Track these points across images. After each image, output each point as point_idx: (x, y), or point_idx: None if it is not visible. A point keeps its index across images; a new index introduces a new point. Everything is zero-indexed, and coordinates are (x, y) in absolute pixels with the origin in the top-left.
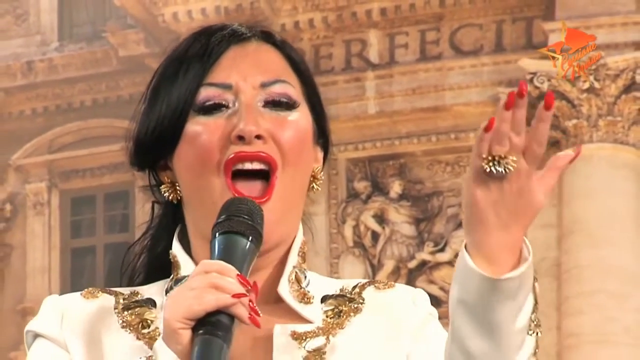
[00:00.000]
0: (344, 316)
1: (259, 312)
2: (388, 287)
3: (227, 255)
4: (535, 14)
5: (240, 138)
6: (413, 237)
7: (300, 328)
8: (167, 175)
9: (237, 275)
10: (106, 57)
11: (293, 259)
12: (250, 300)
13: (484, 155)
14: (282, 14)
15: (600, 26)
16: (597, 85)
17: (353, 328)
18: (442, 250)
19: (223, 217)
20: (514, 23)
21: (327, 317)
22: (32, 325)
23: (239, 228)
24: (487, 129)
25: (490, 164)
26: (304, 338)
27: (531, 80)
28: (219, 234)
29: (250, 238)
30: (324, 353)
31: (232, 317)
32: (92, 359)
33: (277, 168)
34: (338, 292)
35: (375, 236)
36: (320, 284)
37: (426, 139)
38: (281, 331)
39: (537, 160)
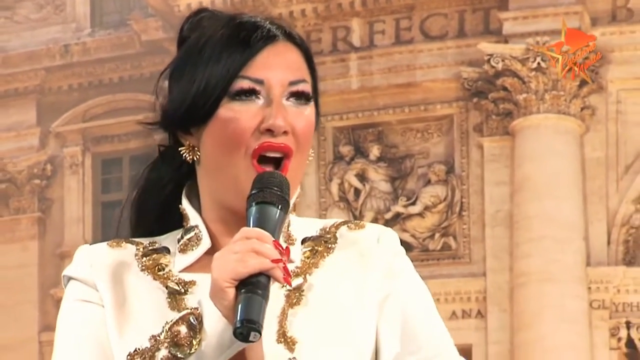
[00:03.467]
0: (319, 256)
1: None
2: (359, 228)
3: (262, 223)
4: (492, 4)
5: (269, 130)
6: (389, 193)
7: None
8: (189, 140)
9: (273, 241)
10: (131, 41)
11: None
12: (283, 262)
13: None
14: (279, 4)
15: (546, 15)
16: (543, 65)
17: (326, 267)
18: (413, 203)
19: (257, 188)
20: (474, 13)
21: (304, 257)
22: (67, 271)
23: (271, 199)
24: None
25: None
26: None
27: (488, 61)
28: (255, 204)
29: (280, 207)
30: (303, 291)
31: (269, 278)
32: (118, 296)
33: (292, 154)
34: (319, 232)
35: (357, 192)
36: (303, 227)
37: (400, 110)
38: None
39: None
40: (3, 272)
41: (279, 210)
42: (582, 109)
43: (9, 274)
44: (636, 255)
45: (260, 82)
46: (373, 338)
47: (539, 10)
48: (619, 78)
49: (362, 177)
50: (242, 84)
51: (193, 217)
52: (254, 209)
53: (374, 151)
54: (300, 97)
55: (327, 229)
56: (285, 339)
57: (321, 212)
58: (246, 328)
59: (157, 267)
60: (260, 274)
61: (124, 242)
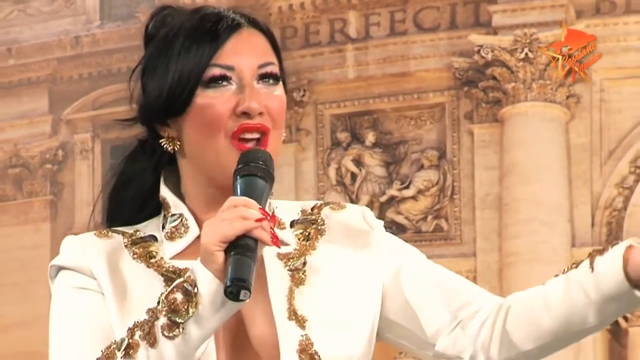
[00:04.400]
0: (313, 239)
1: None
2: (340, 208)
3: (248, 192)
4: None
5: (244, 113)
6: (384, 177)
7: (282, 250)
8: (167, 131)
9: (260, 208)
10: (138, 33)
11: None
12: (270, 227)
13: None
14: None
15: (533, 8)
16: (531, 55)
17: (322, 248)
18: (407, 187)
19: (242, 163)
20: (465, 6)
21: (299, 240)
22: (57, 261)
23: (256, 172)
24: None
25: None
26: (287, 259)
27: (478, 52)
28: (240, 177)
29: (265, 179)
30: (305, 272)
31: (256, 241)
32: (117, 284)
33: (270, 132)
34: (300, 214)
35: (353, 176)
36: (285, 210)
37: (394, 98)
38: (269, 252)
39: None
40: (17, 252)
41: (264, 182)
42: (567, 97)
43: (23, 254)
44: (619, 237)
45: (230, 68)
46: (377, 314)
47: (526, 3)
48: (602, 68)
49: (358, 162)
50: (214, 71)
51: (175, 204)
52: (240, 181)
53: (370, 137)
54: (269, 78)
55: (310, 211)
56: (297, 317)
57: (319, 196)
58: (236, 286)
59: (148, 255)
60: (247, 237)
61: (110, 232)
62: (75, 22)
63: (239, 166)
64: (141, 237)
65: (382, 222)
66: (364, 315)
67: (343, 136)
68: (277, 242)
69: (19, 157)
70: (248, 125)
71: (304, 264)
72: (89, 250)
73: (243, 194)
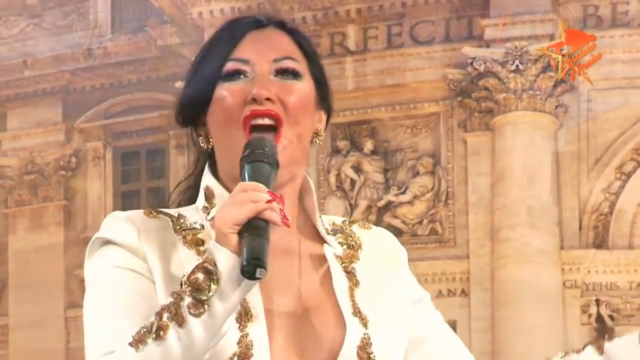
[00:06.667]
0: (354, 249)
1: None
2: (367, 228)
3: (256, 177)
4: (475, 12)
5: (254, 100)
6: (381, 183)
7: (337, 252)
8: (203, 130)
9: (268, 191)
10: (148, 45)
11: (316, 203)
12: (280, 208)
13: None
14: (281, 13)
15: (524, 22)
16: (521, 67)
17: (364, 259)
18: (403, 193)
19: (248, 151)
20: (459, 20)
21: (343, 247)
22: (105, 234)
23: (262, 158)
24: None
25: None
26: (342, 261)
27: (471, 63)
28: (247, 164)
29: (270, 164)
30: (356, 275)
31: (267, 222)
32: (169, 270)
33: (283, 123)
34: (331, 225)
35: (352, 182)
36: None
37: (391, 108)
38: (329, 252)
39: None
40: (33, 255)
41: (269, 167)
42: (556, 107)
43: (38, 256)
44: (605, 240)
45: (245, 61)
46: (409, 324)
47: (517, 18)
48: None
49: (357, 168)
50: (229, 65)
51: (221, 195)
52: (247, 167)
53: (368, 145)
54: (286, 73)
55: (340, 226)
56: (360, 315)
57: (320, 201)
58: (252, 265)
59: (197, 243)
60: (258, 219)
61: (157, 213)
62: (87, 35)
63: (245, 153)
64: (189, 224)
65: (406, 251)
66: (403, 329)
67: (342, 144)
68: (287, 222)
69: (34, 164)
70: (256, 110)
71: (354, 269)
72: (143, 231)
73: (251, 179)
